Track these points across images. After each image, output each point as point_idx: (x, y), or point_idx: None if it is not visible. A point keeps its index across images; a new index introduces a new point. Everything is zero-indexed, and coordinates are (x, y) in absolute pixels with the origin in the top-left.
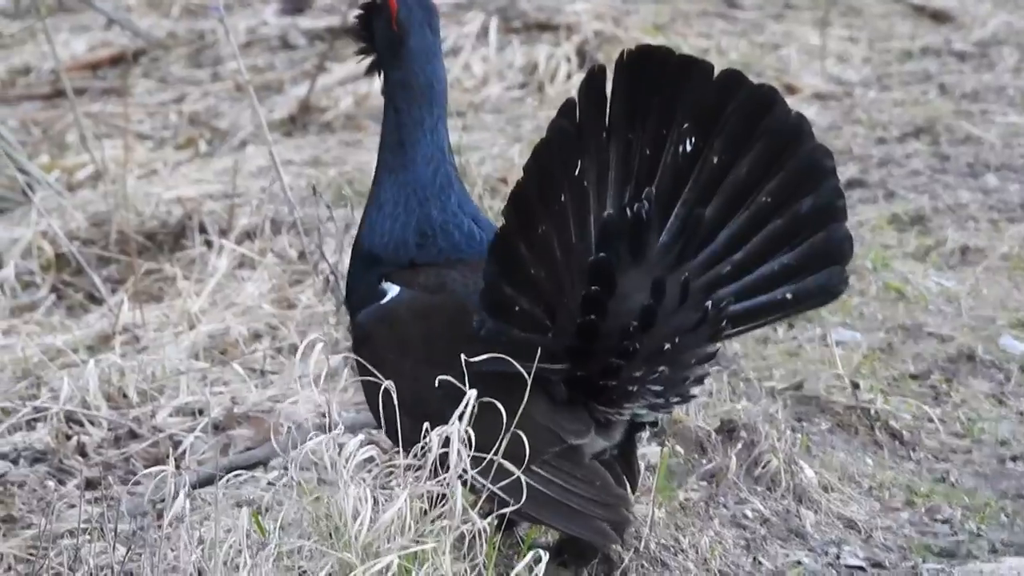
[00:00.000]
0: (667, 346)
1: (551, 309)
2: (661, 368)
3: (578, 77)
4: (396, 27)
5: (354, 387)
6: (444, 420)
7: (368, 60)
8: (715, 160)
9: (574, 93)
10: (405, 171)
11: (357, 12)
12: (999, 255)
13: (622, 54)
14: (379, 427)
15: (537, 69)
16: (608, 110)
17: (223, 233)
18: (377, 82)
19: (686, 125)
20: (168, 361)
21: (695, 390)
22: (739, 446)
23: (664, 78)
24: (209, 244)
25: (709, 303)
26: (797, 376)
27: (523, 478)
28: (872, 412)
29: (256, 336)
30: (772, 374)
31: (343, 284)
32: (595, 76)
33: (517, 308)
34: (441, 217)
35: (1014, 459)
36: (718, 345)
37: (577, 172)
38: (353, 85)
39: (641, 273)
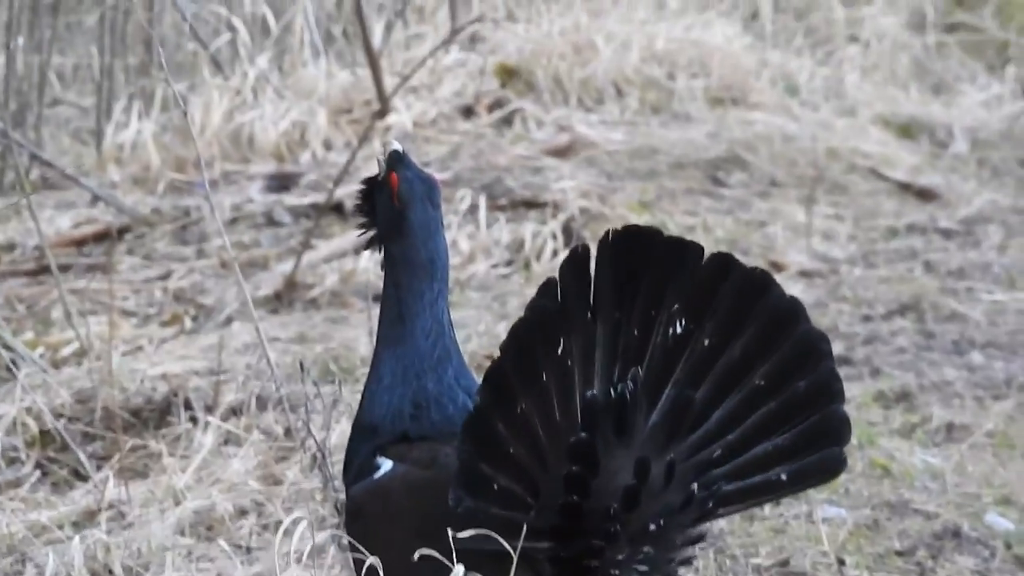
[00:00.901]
0: (652, 527)
1: (533, 486)
2: (646, 549)
3: (564, 254)
4: (397, 202)
5: (341, 565)
6: None
7: (369, 235)
8: (706, 342)
9: (556, 272)
10: (403, 344)
11: (359, 187)
12: (984, 432)
13: (608, 233)
14: None
15: (524, 246)
16: (593, 290)
17: (209, 410)
18: (364, 259)
19: (676, 307)
20: (154, 537)
21: (682, 571)
22: None
23: (652, 259)
24: (195, 420)
25: (695, 485)
26: (783, 553)
27: None
28: None
29: (242, 512)
30: (758, 551)
31: (331, 461)
32: (578, 256)
33: (495, 486)
34: (436, 389)
35: None
36: (706, 526)
37: (560, 351)
38: (339, 262)
39: (626, 454)
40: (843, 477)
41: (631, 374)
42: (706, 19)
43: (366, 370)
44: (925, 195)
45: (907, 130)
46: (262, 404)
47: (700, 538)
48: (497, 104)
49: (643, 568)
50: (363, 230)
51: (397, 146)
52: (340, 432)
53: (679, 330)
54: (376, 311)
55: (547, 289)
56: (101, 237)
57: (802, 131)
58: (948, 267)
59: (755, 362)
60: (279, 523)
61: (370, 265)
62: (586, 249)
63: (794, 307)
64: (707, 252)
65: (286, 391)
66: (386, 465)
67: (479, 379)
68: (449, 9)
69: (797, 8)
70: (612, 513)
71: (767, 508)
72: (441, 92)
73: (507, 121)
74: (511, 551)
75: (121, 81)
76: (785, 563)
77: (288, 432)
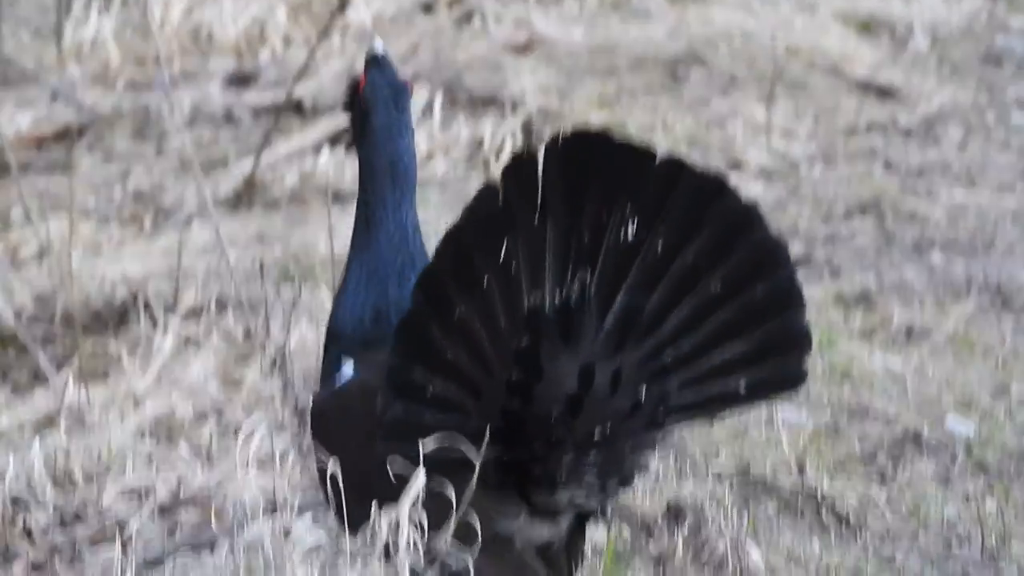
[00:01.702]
0: (597, 434)
1: (475, 391)
2: (592, 455)
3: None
4: (362, 103)
5: (302, 469)
6: (388, 498)
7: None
8: (659, 247)
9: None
10: (368, 251)
11: (347, 88)
12: (944, 334)
13: (556, 137)
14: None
15: (482, 145)
16: (541, 194)
17: (168, 311)
18: (324, 158)
19: (628, 211)
20: (113, 441)
21: (635, 476)
22: (686, 529)
23: (603, 162)
24: (154, 323)
25: (643, 391)
26: (743, 458)
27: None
28: (818, 494)
29: (202, 416)
30: (719, 456)
31: (291, 363)
32: (522, 160)
33: (429, 391)
34: (397, 295)
35: (960, 542)
36: (659, 433)
37: (503, 256)
38: (299, 161)
39: (573, 360)
40: None
41: (579, 278)
42: None
43: (326, 271)
44: (885, 93)
45: (867, 27)
46: (222, 306)
47: (650, 445)
48: (456, 0)
49: (591, 473)
50: (348, 129)
51: (379, 47)
52: (299, 335)
53: (631, 235)
54: (335, 211)
55: (486, 193)
56: (61, 136)
57: (762, 28)
58: (908, 166)
59: (710, 268)
60: (239, 427)
61: (330, 164)
62: (531, 154)
63: (749, 212)
64: (659, 155)
65: (246, 292)
66: (347, 368)
67: None
68: None
69: None
70: (554, 419)
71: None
72: None
73: (466, 18)
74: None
75: None
76: (746, 469)
77: (248, 334)
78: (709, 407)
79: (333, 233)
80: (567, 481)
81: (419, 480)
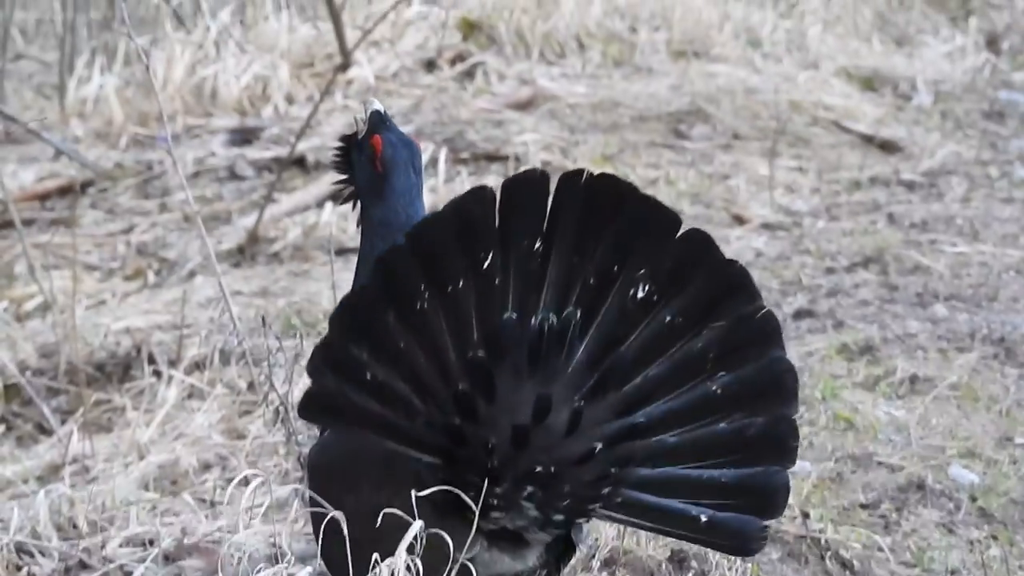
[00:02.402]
0: (539, 470)
1: (423, 393)
2: (530, 490)
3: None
4: (379, 167)
5: (303, 518)
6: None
7: (346, 192)
8: (667, 320)
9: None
10: None
11: (337, 144)
12: (948, 384)
13: (579, 172)
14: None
15: None
16: (548, 222)
17: (172, 364)
18: (326, 213)
19: (643, 271)
20: (118, 491)
21: (580, 519)
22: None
23: (626, 212)
24: (158, 375)
25: (599, 444)
26: None
27: None
28: (822, 541)
29: (206, 466)
30: None
31: (294, 415)
32: (535, 179)
33: (368, 376)
34: None
35: None
36: (605, 491)
37: (487, 264)
38: (301, 215)
39: (532, 389)
40: (807, 429)
41: (567, 313)
42: None
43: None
44: (888, 147)
45: (870, 82)
46: (225, 358)
47: (594, 500)
48: (459, 57)
49: (528, 506)
50: (341, 186)
51: (378, 106)
52: (302, 386)
53: (640, 295)
54: (338, 265)
55: (479, 195)
56: (64, 191)
57: (765, 84)
58: (911, 219)
59: (716, 365)
60: (243, 477)
61: (333, 219)
62: (545, 176)
63: (769, 321)
64: (684, 225)
65: (249, 345)
66: None
67: None
68: None
69: None
70: (493, 446)
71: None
72: (403, 45)
73: (469, 75)
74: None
75: (84, 35)
76: None
77: (251, 386)
78: (663, 521)
79: (336, 286)
80: (502, 508)
81: (416, 528)
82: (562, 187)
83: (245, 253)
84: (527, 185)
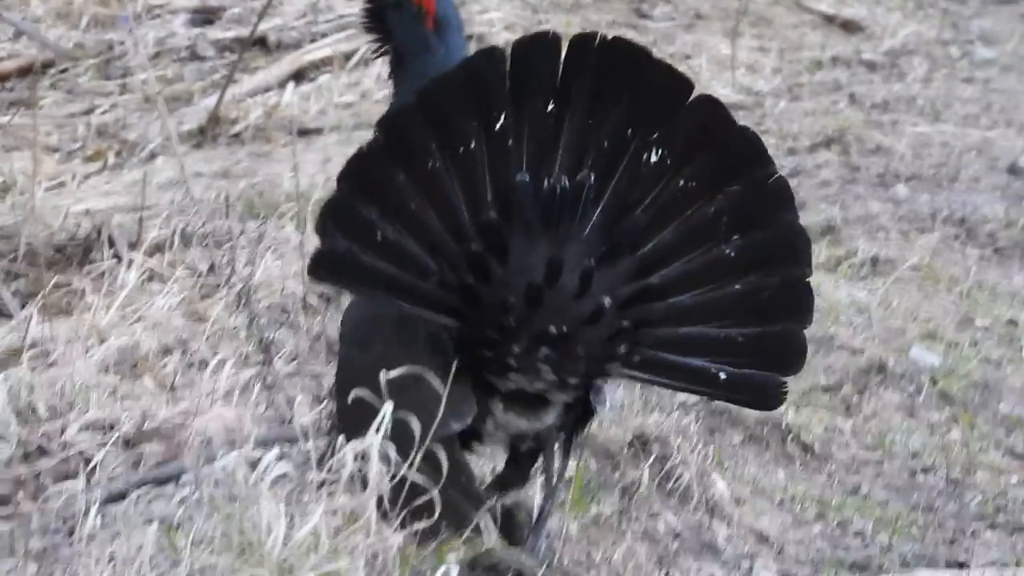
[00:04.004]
0: (552, 330)
1: (436, 252)
2: (543, 350)
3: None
4: (434, 26)
5: (267, 402)
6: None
7: (382, 50)
8: (680, 183)
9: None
10: None
11: (366, 4)
12: (909, 266)
13: (591, 35)
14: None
15: None
16: (560, 84)
17: (132, 246)
18: (288, 93)
19: (656, 135)
20: (78, 375)
21: (598, 379)
22: (651, 459)
23: (639, 78)
24: (118, 257)
25: (608, 301)
26: None
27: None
28: (783, 425)
29: (166, 350)
30: None
31: (255, 298)
32: (547, 41)
33: (379, 236)
34: None
35: (925, 471)
36: (620, 350)
37: (499, 126)
38: (263, 96)
39: (545, 250)
40: None
41: (582, 177)
42: None
43: (291, 206)
44: (850, 27)
45: None
46: (186, 240)
47: (609, 358)
48: None
49: (545, 368)
50: (377, 49)
51: None
52: (264, 268)
53: (654, 159)
54: (300, 146)
55: (488, 55)
56: (24, 72)
57: None
58: (873, 100)
59: (730, 229)
60: (204, 361)
61: (295, 99)
62: (557, 37)
63: (785, 191)
64: (696, 91)
65: (210, 227)
66: None
67: None
68: None
69: None
70: (509, 305)
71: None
72: None
73: None
74: (405, 308)
75: None
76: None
77: (212, 269)
78: (684, 378)
79: (298, 167)
80: (518, 369)
81: (387, 411)
82: (574, 49)
83: (206, 134)
84: (539, 46)
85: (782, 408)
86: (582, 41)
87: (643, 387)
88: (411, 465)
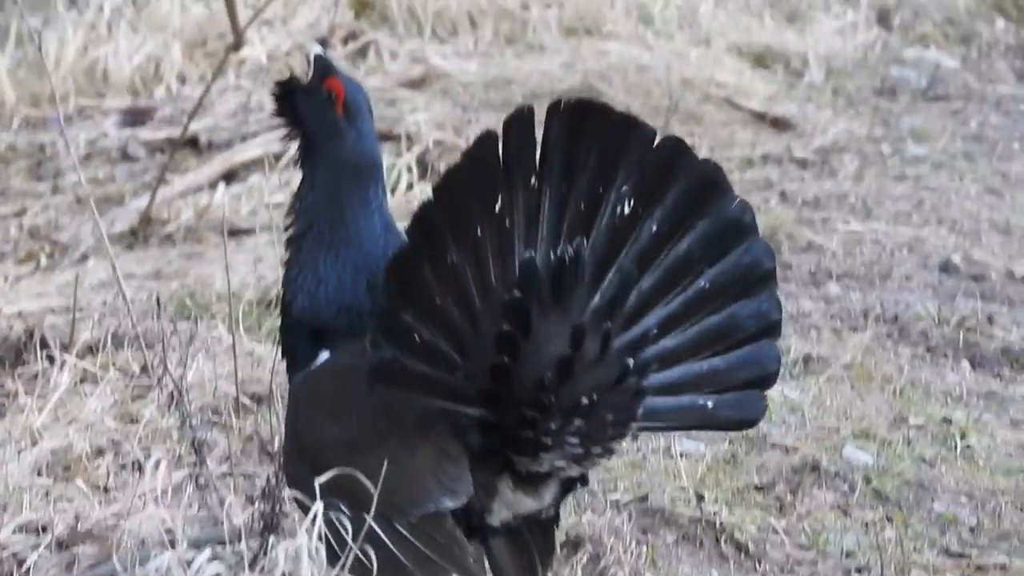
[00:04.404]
0: (584, 401)
1: (461, 345)
2: (578, 422)
3: (420, 187)
4: (343, 111)
5: (199, 503)
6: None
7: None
8: (653, 229)
9: (415, 202)
10: (349, 248)
11: (275, 91)
12: (842, 364)
13: (559, 102)
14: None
15: None
16: (540, 155)
17: (65, 348)
18: (219, 194)
19: (625, 187)
20: (11, 477)
21: (616, 446)
22: (584, 559)
23: (604, 133)
24: (51, 359)
25: (630, 361)
26: (642, 488)
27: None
28: (717, 524)
29: (99, 452)
30: (617, 486)
31: (188, 399)
32: (523, 116)
33: (417, 338)
34: None
35: (859, 571)
36: (640, 408)
37: (498, 208)
38: (194, 197)
39: (561, 322)
40: None
41: (576, 243)
42: None
43: (222, 306)
44: (780, 124)
45: (762, 59)
46: (118, 341)
47: (631, 418)
48: (352, 36)
49: (574, 441)
50: (287, 133)
51: (320, 50)
52: (196, 369)
53: (626, 211)
54: (231, 246)
55: (485, 140)
56: None
57: (656, 61)
58: (804, 197)
59: (700, 263)
60: (137, 462)
61: (225, 200)
62: (531, 111)
63: (744, 213)
64: (659, 135)
65: (142, 328)
66: (324, 356)
67: None
68: None
69: None
70: (546, 382)
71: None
72: (295, 24)
73: (362, 53)
74: (438, 407)
75: None
76: (644, 498)
77: (145, 369)
78: (678, 419)
79: (229, 268)
80: (552, 447)
81: (317, 511)
82: (547, 120)
83: (138, 235)
84: (518, 123)
85: (714, 507)
86: (552, 109)
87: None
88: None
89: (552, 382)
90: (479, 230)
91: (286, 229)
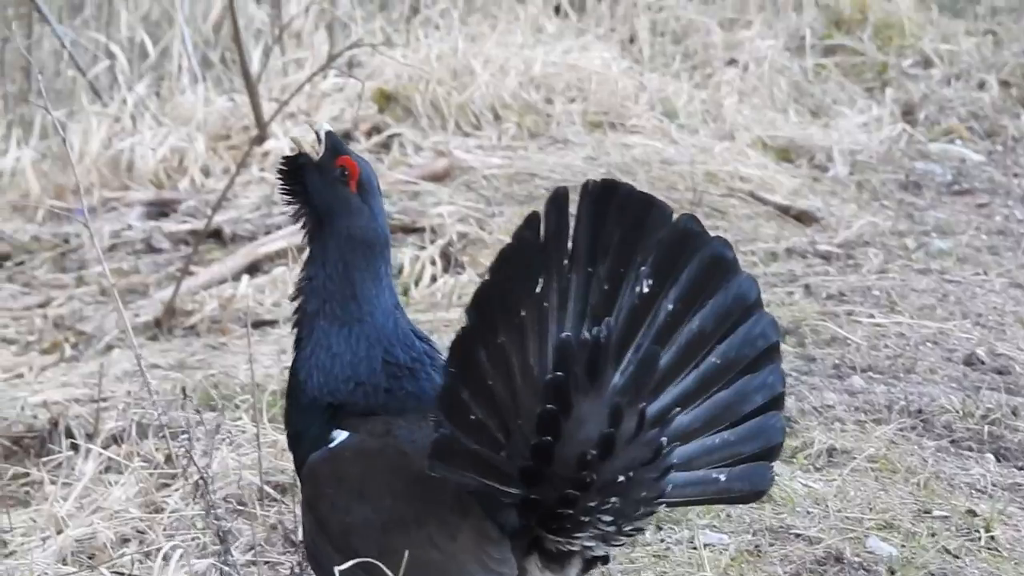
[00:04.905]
0: (621, 478)
1: (504, 425)
2: (613, 500)
3: (443, 279)
4: (356, 188)
5: None
6: (367, 555)
7: (300, 212)
8: (669, 307)
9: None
10: (362, 324)
11: (282, 167)
12: (865, 456)
13: (587, 184)
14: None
15: (402, 271)
16: (571, 238)
17: (90, 437)
18: (243, 286)
19: (643, 267)
20: (36, 566)
21: (644, 523)
22: None
23: (625, 213)
24: (76, 448)
25: (664, 439)
26: None
27: None
28: None
29: (124, 540)
30: None
31: (213, 488)
32: (559, 197)
33: (472, 417)
34: (408, 357)
35: None
36: (668, 485)
37: (538, 289)
38: (218, 288)
39: (596, 401)
40: None
41: (604, 323)
42: (583, 43)
43: (246, 396)
44: (804, 218)
45: (786, 153)
46: (143, 431)
47: (659, 496)
48: (375, 129)
49: (607, 519)
50: (292, 206)
51: (329, 127)
52: (221, 459)
53: (645, 290)
54: (255, 337)
55: (531, 222)
56: None
57: (680, 155)
58: (828, 291)
59: (713, 338)
60: (161, 551)
61: (249, 291)
62: (566, 192)
63: (751, 290)
64: (674, 214)
65: (167, 418)
66: (341, 435)
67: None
68: (327, 34)
69: (674, 32)
70: (589, 460)
71: (648, 534)
72: (319, 117)
73: (385, 146)
74: (483, 487)
75: (0, 108)
76: None
77: (169, 459)
78: (694, 493)
79: (253, 359)
80: (587, 525)
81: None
82: (579, 201)
83: (162, 326)
84: (554, 205)
85: None
86: (582, 192)
87: None
88: None
89: (595, 459)
90: (523, 311)
91: (295, 309)
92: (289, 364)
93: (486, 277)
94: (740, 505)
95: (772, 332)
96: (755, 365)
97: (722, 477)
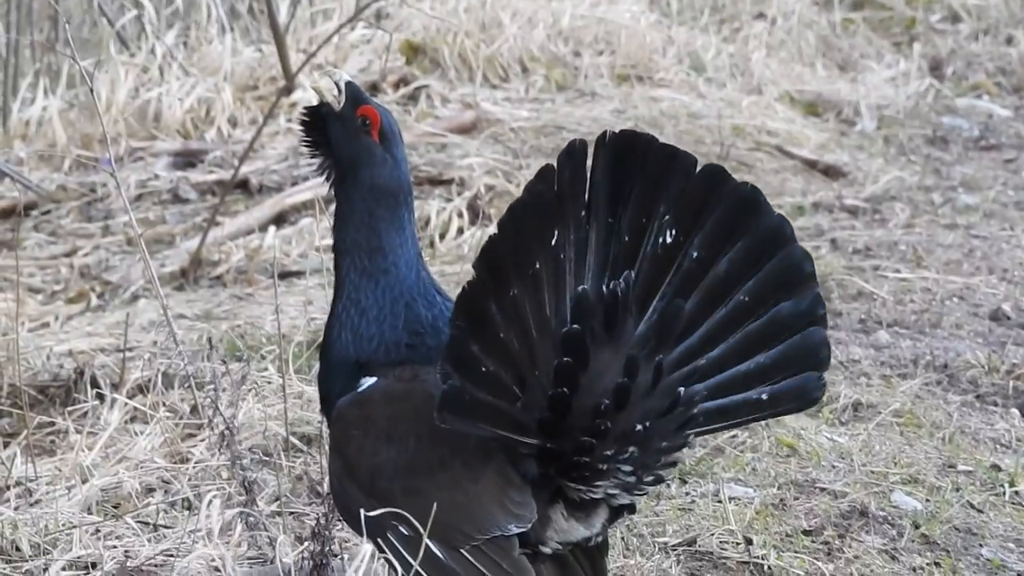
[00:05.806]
0: (638, 428)
1: (520, 377)
2: (631, 449)
3: (470, 232)
4: (378, 137)
5: (246, 542)
6: (393, 498)
7: (324, 163)
8: (694, 255)
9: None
10: (387, 276)
11: (304, 119)
12: (891, 411)
13: (604, 135)
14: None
15: (429, 223)
16: (588, 189)
17: (115, 387)
18: (269, 236)
19: (667, 216)
20: (61, 515)
21: (667, 473)
22: None
23: (646, 165)
24: (101, 398)
25: (681, 390)
26: (690, 532)
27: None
28: (765, 568)
29: (149, 490)
30: (665, 530)
31: (238, 438)
32: (575, 150)
33: (483, 369)
34: (430, 314)
35: None
36: (690, 435)
37: (554, 242)
38: (244, 239)
39: (614, 353)
40: (749, 456)
41: (623, 276)
42: None
43: (272, 347)
44: (831, 173)
45: (813, 108)
46: (168, 381)
47: (682, 445)
48: (403, 81)
49: (627, 468)
50: (315, 158)
51: (348, 77)
52: (246, 409)
53: (668, 240)
54: (281, 288)
55: (545, 175)
56: (7, 213)
57: (708, 108)
58: (855, 245)
59: (741, 280)
60: (186, 500)
61: (275, 242)
62: (583, 144)
63: (781, 227)
64: (699, 163)
65: (192, 368)
66: (369, 380)
67: None
68: None
69: None
70: (603, 410)
71: (673, 487)
72: (347, 68)
73: (413, 98)
74: (499, 437)
75: (27, 57)
76: (692, 542)
77: (195, 409)
78: (737, 416)
79: (279, 310)
80: (606, 473)
81: (366, 552)
82: (595, 153)
83: (188, 276)
84: (571, 157)
85: (763, 551)
86: (598, 143)
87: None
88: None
89: (609, 409)
90: (537, 264)
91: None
92: (314, 316)
93: (497, 233)
94: (793, 413)
95: (805, 262)
96: (789, 293)
97: (764, 396)
